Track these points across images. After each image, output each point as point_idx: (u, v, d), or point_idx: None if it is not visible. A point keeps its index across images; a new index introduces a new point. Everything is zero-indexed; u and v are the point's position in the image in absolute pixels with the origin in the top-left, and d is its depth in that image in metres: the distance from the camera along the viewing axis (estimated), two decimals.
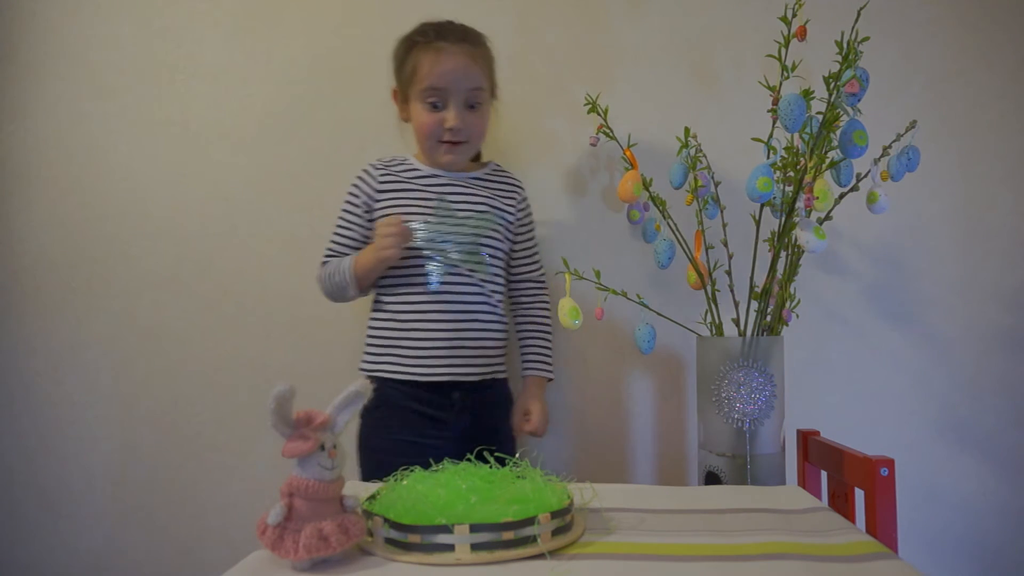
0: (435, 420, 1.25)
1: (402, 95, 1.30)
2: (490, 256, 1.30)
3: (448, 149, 1.27)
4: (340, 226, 1.33)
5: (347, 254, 1.30)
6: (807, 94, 1.09)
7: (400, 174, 1.31)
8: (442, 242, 1.26)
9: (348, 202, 1.32)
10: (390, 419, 1.24)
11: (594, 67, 1.56)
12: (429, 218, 1.26)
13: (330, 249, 1.32)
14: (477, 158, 1.40)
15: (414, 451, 1.05)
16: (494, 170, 1.38)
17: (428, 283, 1.25)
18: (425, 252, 1.25)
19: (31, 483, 1.64)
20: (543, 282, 1.43)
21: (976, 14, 1.52)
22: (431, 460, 0.86)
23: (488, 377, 1.30)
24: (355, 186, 1.32)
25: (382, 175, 1.31)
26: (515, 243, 1.38)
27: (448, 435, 1.25)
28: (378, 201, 1.30)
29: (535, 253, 1.42)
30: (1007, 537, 1.52)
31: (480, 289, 1.28)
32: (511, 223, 1.35)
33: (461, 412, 1.26)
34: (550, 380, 1.40)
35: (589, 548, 0.74)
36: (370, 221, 1.31)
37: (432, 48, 1.22)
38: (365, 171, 1.33)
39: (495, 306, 1.31)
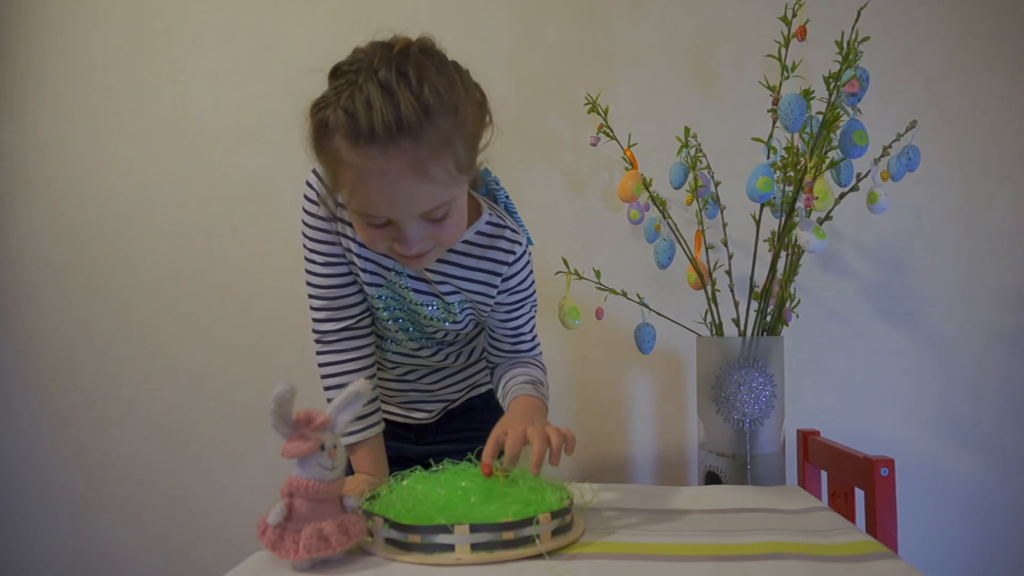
0: (407, 437, 1.18)
1: (330, 184, 0.86)
2: (454, 335, 1.06)
3: (408, 262, 0.88)
4: (316, 275, 0.97)
5: (344, 295, 0.99)
6: (807, 94, 1.09)
7: (347, 226, 0.94)
8: (398, 318, 1.01)
9: (312, 239, 0.96)
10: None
11: (594, 67, 1.56)
12: (382, 289, 0.98)
13: (316, 307, 0.99)
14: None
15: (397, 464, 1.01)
16: (483, 233, 0.96)
17: (384, 348, 1.08)
18: (387, 320, 1.01)
19: (31, 483, 1.64)
20: (534, 353, 1.08)
21: (977, 14, 1.52)
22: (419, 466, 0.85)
23: (452, 407, 1.17)
24: (311, 216, 0.95)
25: (334, 207, 0.94)
26: (494, 317, 1.02)
27: (429, 441, 1.18)
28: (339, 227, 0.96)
29: (523, 332, 1.05)
30: (1007, 537, 1.52)
31: (444, 352, 1.08)
32: (486, 304, 1.00)
33: (427, 428, 1.18)
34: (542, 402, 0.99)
35: (589, 548, 0.74)
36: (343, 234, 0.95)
37: (356, 156, 0.75)
38: (311, 201, 0.94)
39: (466, 357, 1.12)
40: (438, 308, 0.99)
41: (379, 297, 0.98)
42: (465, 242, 0.95)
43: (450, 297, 0.98)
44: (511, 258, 0.96)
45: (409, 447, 1.16)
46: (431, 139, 0.75)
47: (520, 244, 0.97)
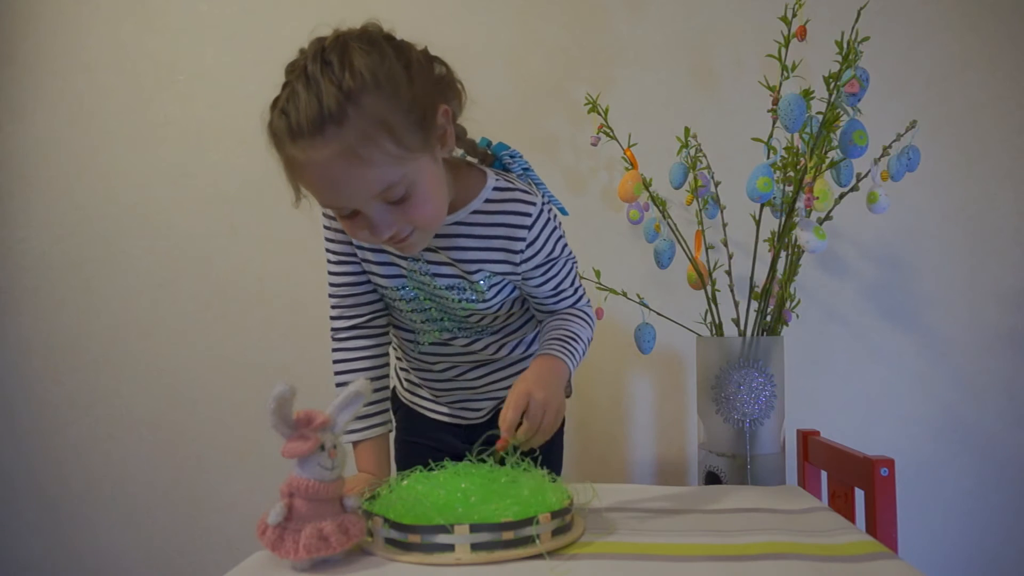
0: (456, 434, 1.15)
1: (291, 184, 0.89)
2: (487, 317, 1.01)
3: (398, 247, 0.86)
4: (331, 273, 0.99)
5: (353, 294, 1.00)
6: (807, 94, 1.09)
7: None
8: (426, 308, 0.99)
9: (328, 239, 0.99)
10: (424, 439, 1.13)
11: (594, 67, 1.56)
12: (404, 279, 0.96)
13: (331, 304, 1.01)
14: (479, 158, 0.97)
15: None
16: (492, 200, 0.92)
17: (417, 342, 1.06)
18: (411, 312, 1.00)
19: (31, 484, 1.64)
20: (580, 304, 1.04)
21: (977, 14, 1.52)
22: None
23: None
24: (326, 216, 0.97)
25: None
26: (528, 286, 0.98)
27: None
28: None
29: (563, 288, 0.99)
30: (1007, 537, 1.52)
31: (483, 342, 1.05)
32: (514, 273, 0.95)
33: (476, 428, 1.13)
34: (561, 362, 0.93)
35: (589, 548, 0.74)
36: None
37: (295, 152, 0.78)
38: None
39: (509, 350, 1.08)
40: (464, 289, 0.95)
41: (401, 289, 0.97)
42: (474, 212, 0.91)
43: (474, 274, 0.94)
44: (528, 220, 0.91)
45: (457, 442, 1.12)
46: (357, 122, 0.75)
47: (534, 204, 0.91)
